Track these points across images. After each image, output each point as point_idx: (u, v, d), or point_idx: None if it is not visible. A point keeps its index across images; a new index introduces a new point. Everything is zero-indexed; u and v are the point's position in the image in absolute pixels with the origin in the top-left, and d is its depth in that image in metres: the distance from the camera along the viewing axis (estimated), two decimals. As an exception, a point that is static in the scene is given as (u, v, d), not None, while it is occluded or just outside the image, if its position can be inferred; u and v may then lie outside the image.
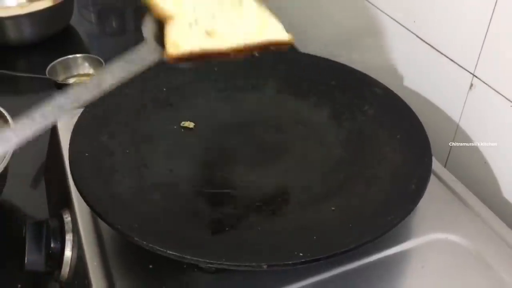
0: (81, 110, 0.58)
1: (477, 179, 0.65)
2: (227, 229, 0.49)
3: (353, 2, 0.84)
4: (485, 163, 0.64)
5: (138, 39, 0.46)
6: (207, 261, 0.43)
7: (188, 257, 0.43)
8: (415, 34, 0.70)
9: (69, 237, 0.55)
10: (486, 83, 0.62)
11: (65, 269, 0.55)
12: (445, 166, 0.68)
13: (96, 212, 0.47)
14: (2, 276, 0.66)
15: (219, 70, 0.66)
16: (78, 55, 0.94)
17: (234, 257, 0.43)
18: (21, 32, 1.02)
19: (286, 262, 0.43)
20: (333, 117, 0.61)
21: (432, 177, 0.56)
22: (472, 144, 0.66)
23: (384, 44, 0.78)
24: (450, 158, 0.69)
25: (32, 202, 0.72)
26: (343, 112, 0.61)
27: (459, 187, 0.59)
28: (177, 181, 0.53)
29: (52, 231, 0.55)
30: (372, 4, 0.78)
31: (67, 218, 0.56)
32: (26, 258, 0.54)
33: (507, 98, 0.60)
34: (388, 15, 0.75)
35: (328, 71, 0.65)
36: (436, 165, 0.60)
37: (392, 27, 0.74)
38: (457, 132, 0.68)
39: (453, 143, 0.68)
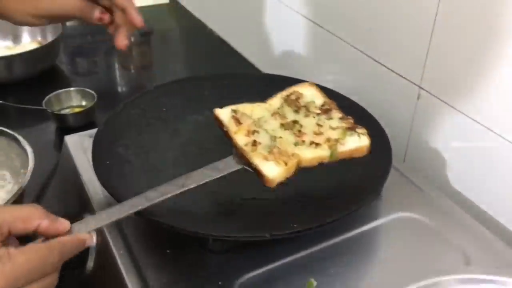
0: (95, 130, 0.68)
1: (430, 172, 0.78)
2: (233, 209, 0.59)
3: (306, 28, 0.98)
4: (435, 159, 0.77)
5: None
6: (222, 234, 0.53)
7: (202, 232, 0.53)
8: (366, 54, 0.84)
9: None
10: (432, 94, 0.75)
11: (90, 263, 0.63)
12: (403, 162, 0.81)
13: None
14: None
15: (209, 92, 0.77)
16: (71, 88, 1.04)
17: (241, 231, 0.54)
18: (11, 70, 1.11)
19: (285, 232, 0.54)
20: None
21: (394, 171, 0.70)
22: (424, 146, 0.79)
23: (342, 66, 0.92)
24: (407, 156, 0.82)
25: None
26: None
27: (416, 177, 0.72)
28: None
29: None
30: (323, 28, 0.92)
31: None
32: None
33: (451, 106, 0.73)
34: (342, 39, 0.89)
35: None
36: (396, 161, 0.72)
37: (348, 52, 0.88)
38: (411, 135, 0.81)
39: (408, 144, 0.82)
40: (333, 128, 0.59)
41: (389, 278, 0.57)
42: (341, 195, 0.61)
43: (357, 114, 0.65)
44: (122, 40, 0.66)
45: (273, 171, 0.54)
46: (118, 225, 0.62)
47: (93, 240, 0.51)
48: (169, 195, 0.53)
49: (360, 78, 0.89)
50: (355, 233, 0.63)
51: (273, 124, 0.60)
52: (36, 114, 1.00)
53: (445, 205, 0.67)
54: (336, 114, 0.61)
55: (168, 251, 0.59)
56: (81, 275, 0.64)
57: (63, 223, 0.49)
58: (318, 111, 0.62)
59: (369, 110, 0.74)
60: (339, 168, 0.60)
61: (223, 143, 0.69)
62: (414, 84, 0.77)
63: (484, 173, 0.71)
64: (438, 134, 0.77)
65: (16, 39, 1.25)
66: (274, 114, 0.61)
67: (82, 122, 0.98)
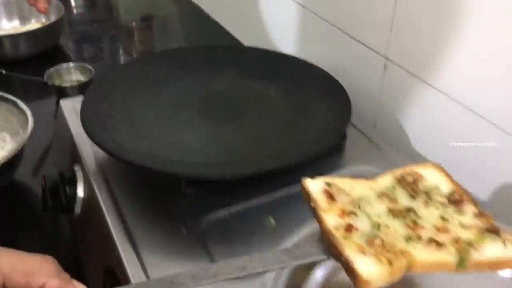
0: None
1: (397, 140, 0.84)
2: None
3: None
4: (403, 129, 0.83)
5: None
6: (189, 173, 0.61)
7: (173, 171, 0.61)
8: (334, 25, 0.90)
9: (80, 183, 0.71)
10: (397, 65, 0.81)
11: (78, 208, 0.71)
12: (374, 128, 0.88)
13: (103, 148, 0.64)
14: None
15: (194, 60, 0.84)
16: (71, 63, 1.12)
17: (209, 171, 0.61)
18: (16, 48, 1.19)
19: (244, 173, 0.60)
20: (282, 91, 0.79)
21: (363, 136, 0.77)
22: (392, 116, 0.85)
23: (311, 37, 0.98)
24: (377, 126, 0.88)
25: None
26: (289, 87, 0.80)
27: (383, 143, 0.78)
28: (160, 132, 0.70)
29: (66, 180, 0.71)
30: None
31: (77, 169, 0.72)
32: (48, 201, 0.70)
33: (417, 77, 0.79)
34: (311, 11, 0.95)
35: (277, 60, 0.84)
36: (366, 129, 0.79)
37: (316, 24, 0.95)
38: (379, 106, 0.87)
39: (377, 115, 0.88)
40: (464, 227, 0.44)
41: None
42: (305, 142, 0.67)
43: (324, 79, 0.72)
44: (42, 3, 0.80)
45: (371, 270, 0.40)
46: (103, 174, 0.69)
47: None
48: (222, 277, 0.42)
49: (329, 49, 0.95)
50: None
51: (379, 208, 0.46)
52: (37, 87, 1.08)
53: (404, 163, 0.73)
54: (471, 208, 0.46)
55: (146, 195, 0.67)
56: (70, 218, 0.71)
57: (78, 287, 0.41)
58: (444, 201, 0.47)
59: (339, 80, 0.80)
60: (300, 120, 0.67)
61: (203, 105, 0.77)
62: (380, 55, 0.83)
63: (447, 143, 0.75)
64: (405, 105, 0.82)
65: (23, 20, 1.34)
66: (381, 195, 0.47)
67: (80, 94, 1.06)
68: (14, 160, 0.80)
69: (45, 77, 1.06)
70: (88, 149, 0.73)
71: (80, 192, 0.70)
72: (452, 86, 0.72)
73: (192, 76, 0.81)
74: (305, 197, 0.48)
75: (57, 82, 1.08)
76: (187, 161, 0.64)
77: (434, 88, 0.75)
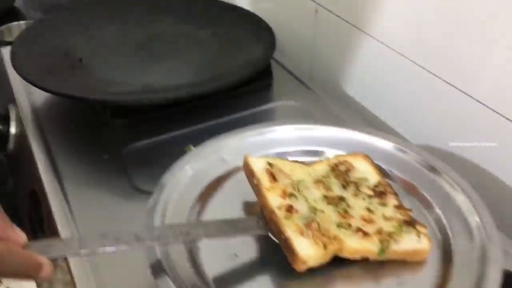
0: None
1: (331, 85, 0.87)
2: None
3: None
4: (338, 74, 0.86)
5: None
6: (105, 99, 0.63)
7: (98, 97, 0.64)
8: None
9: (13, 121, 0.74)
10: (328, 9, 0.84)
11: (12, 143, 0.74)
12: (310, 76, 0.90)
13: (27, 79, 0.67)
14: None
15: (131, 6, 0.87)
16: (22, 22, 1.13)
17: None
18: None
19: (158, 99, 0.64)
20: (213, 33, 0.82)
21: (300, 85, 0.80)
22: (326, 62, 0.88)
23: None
24: (313, 72, 0.91)
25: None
26: (221, 30, 0.83)
27: (316, 87, 0.81)
28: (90, 68, 0.73)
29: (1, 118, 0.74)
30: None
31: (11, 109, 0.75)
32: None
33: (347, 21, 0.82)
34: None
35: (210, 6, 0.87)
36: (302, 75, 0.83)
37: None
38: (314, 52, 0.90)
39: (312, 60, 0.91)
40: (386, 218, 0.48)
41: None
42: (223, 75, 0.70)
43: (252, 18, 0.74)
44: None
45: (308, 251, 0.44)
46: (35, 112, 0.72)
47: (51, 269, 0.38)
48: (170, 243, 0.44)
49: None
50: (253, 111, 0.72)
51: (315, 194, 0.50)
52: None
53: (335, 109, 0.76)
54: (392, 200, 0.51)
55: (72, 126, 0.70)
56: (5, 154, 0.74)
57: (18, 234, 0.39)
58: (370, 193, 0.52)
59: (273, 27, 0.83)
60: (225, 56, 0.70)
61: (137, 46, 0.79)
62: (311, -1, 0.86)
63: (381, 87, 0.77)
64: (338, 50, 0.85)
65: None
66: (317, 182, 0.52)
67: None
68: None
69: (-5, 33, 1.08)
70: (22, 91, 0.76)
71: (13, 129, 0.73)
72: (383, 32, 0.74)
73: (128, 21, 0.84)
74: (248, 173, 0.51)
75: (7, 39, 1.10)
76: (111, 91, 0.67)
77: (366, 33, 0.77)
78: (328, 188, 0.51)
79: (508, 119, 0.56)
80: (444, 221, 0.49)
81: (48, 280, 0.41)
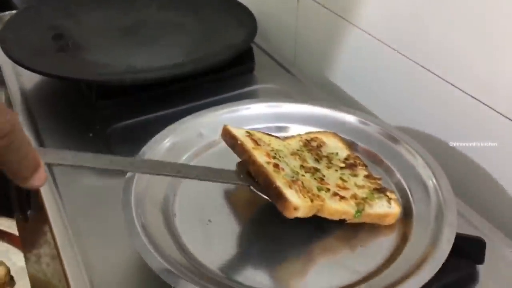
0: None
1: (311, 68, 0.90)
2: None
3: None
4: (321, 61, 0.89)
5: None
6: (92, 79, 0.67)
7: (83, 77, 0.67)
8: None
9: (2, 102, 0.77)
10: (309, -3, 0.87)
11: None
12: (292, 64, 0.93)
13: (15, 61, 0.70)
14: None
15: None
16: (14, 11, 1.16)
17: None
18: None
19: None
20: (197, 19, 0.85)
21: (283, 70, 0.83)
22: (309, 49, 0.91)
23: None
24: (296, 59, 0.94)
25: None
26: (204, 16, 0.85)
27: (296, 71, 0.84)
28: (76, 52, 0.76)
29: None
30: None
31: (1, 91, 0.78)
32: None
33: (329, 9, 0.84)
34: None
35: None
36: (286, 61, 0.86)
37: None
38: (297, 39, 0.93)
39: (295, 47, 0.93)
40: (359, 186, 0.53)
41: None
42: (204, 57, 0.73)
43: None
44: None
45: (298, 200, 0.46)
46: (22, 92, 0.75)
47: (44, 177, 0.37)
48: (160, 174, 0.48)
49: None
50: (238, 92, 0.75)
51: (293, 163, 0.53)
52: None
53: (316, 92, 0.79)
54: (362, 171, 0.55)
55: (59, 107, 0.72)
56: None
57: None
58: (342, 165, 0.55)
59: (256, 14, 0.85)
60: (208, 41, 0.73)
61: (123, 31, 0.82)
62: (292, -14, 0.89)
63: (363, 74, 0.80)
64: (321, 38, 0.88)
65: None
66: (293, 154, 0.55)
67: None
68: None
69: (-13, 23, 1.10)
70: (11, 74, 0.79)
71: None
72: (364, 20, 0.76)
73: (114, 7, 0.87)
74: (229, 139, 0.53)
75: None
76: (96, 72, 0.70)
77: (347, 21, 0.79)
78: (303, 160, 0.54)
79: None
80: (405, 185, 0.53)
81: (38, 187, 0.38)
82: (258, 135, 0.55)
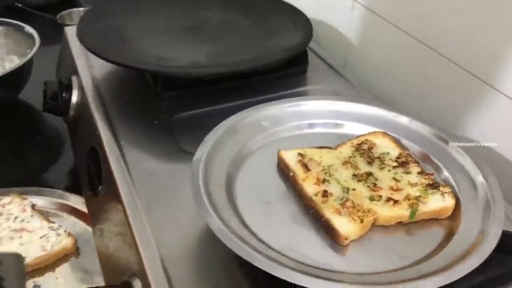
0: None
1: (365, 78, 0.93)
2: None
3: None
4: (371, 68, 0.93)
5: None
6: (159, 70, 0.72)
7: (151, 68, 0.73)
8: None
9: (75, 90, 0.83)
10: (364, 5, 0.91)
11: (73, 110, 0.83)
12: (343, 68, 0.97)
13: (89, 49, 0.76)
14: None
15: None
16: (81, 8, 1.24)
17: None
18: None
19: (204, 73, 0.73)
20: (254, 22, 0.90)
21: (334, 73, 0.87)
22: (361, 56, 0.94)
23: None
24: (347, 64, 0.98)
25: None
26: (261, 19, 0.90)
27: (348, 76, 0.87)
28: (145, 47, 0.81)
29: (64, 86, 0.83)
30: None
31: (74, 79, 0.84)
32: (47, 102, 0.83)
33: (381, 17, 0.88)
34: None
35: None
36: (337, 65, 0.89)
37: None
38: (349, 46, 0.96)
39: (347, 52, 0.97)
40: (412, 184, 0.55)
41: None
42: (260, 57, 0.77)
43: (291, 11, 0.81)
44: None
45: (347, 227, 0.50)
46: (94, 81, 0.81)
47: None
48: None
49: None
50: (281, 94, 0.78)
51: (345, 174, 0.56)
52: (51, 29, 1.20)
53: (368, 96, 0.82)
54: (415, 168, 0.57)
55: (127, 96, 0.78)
56: (66, 120, 0.83)
57: None
58: (394, 164, 0.58)
59: (312, 20, 0.89)
60: (265, 42, 0.78)
61: (187, 30, 0.88)
62: (348, -5, 0.93)
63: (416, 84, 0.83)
64: (372, 45, 0.92)
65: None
66: (345, 163, 0.58)
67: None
68: (21, 75, 0.92)
69: (57, 18, 1.18)
70: (83, 64, 0.85)
71: (75, 97, 0.82)
72: (418, 27, 0.79)
73: (179, 8, 0.92)
74: (282, 166, 0.58)
75: (68, 23, 1.20)
76: (162, 64, 0.75)
77: (398, 28, 0.83)
78: (355, 167, 0.57)
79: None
80: (453, 182, 0.56)
81: None
82: (310, 153, 0.58)
